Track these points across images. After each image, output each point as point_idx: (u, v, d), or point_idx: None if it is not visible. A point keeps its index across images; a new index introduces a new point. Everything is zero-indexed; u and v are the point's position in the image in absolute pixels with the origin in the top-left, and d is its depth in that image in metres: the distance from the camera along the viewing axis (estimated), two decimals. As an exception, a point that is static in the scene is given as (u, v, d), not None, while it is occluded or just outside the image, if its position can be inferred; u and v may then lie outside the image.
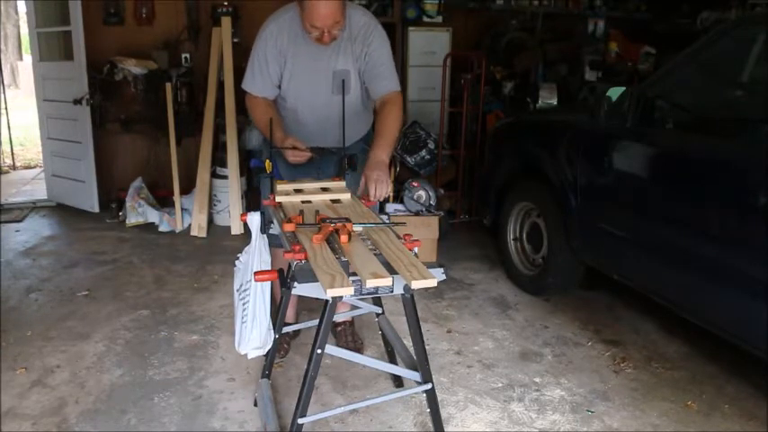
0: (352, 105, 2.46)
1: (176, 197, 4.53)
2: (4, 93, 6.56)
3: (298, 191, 2.19)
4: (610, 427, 2.31)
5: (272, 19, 2.39)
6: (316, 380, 1.81)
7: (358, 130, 2.57)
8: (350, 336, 2.79)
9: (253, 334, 1.97)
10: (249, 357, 2.02)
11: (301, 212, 1.94)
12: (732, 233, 2.24)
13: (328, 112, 2.44)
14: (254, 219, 2.02)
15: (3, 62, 8.49)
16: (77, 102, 4.58)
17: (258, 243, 2.01)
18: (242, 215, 2.06)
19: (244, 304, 1.99)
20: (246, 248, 2.03)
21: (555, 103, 4.69)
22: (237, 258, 2.05)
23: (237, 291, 2.03)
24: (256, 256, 1.99)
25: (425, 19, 5.13)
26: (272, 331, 2.06)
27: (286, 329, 2.43)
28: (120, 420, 2.28)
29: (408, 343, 2.05)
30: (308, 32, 2.24)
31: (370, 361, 2.22)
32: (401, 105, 2.46)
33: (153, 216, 4.54)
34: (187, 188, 4.65)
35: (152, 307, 3.22)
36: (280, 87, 2.46)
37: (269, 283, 1.97)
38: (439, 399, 2.09)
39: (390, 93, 2.43)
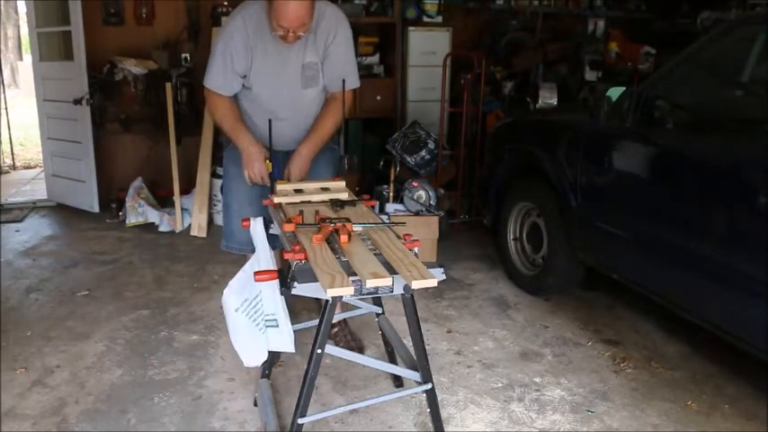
0: (317, 99, 2.47)
1: (176, 197, 4.53)
2: (4, 93, 6.55)
3: (298, 191, 2.20)
4: (610, 427, 2.31)
5: (238, 12, 2.36)
6: (316, 380, 1.81)
7: None
8: (349, 336, 2.79)
9: (282, 335, 1.87)
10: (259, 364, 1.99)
11: (301, 212, 1.94)
12: (732, 233, 2.24)
13: (298, 105, 2.44)
14: (257, 225, 1.91)
15: (3, 62, 8.46)
16: (77, 102, 4.58)
17: (263, 253, 1.94)
18: (243, 221, 1.96)
19: (256, 313, 1.87)
20: (252, 260, 1.91)
21: (555, 103, 4.69)
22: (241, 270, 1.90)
23: (237, 310, 1.89)
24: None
25: (425, 19, 5.12)
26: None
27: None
28: (120, 420, 2.28)
29: (408, 343, 2.06)
30: (274, 30, 2.23)
31: (370, 361, 2.22)
32: (344, 103, 2.38)
33: (153, 216, 4.54)
34: (187, 188, 4.65)
35: (152, 307, 3.22)
36: (243, 81, 2.41)
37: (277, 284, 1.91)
38: (439, 399, 2.09)
39: (341, 91, 2.38)
